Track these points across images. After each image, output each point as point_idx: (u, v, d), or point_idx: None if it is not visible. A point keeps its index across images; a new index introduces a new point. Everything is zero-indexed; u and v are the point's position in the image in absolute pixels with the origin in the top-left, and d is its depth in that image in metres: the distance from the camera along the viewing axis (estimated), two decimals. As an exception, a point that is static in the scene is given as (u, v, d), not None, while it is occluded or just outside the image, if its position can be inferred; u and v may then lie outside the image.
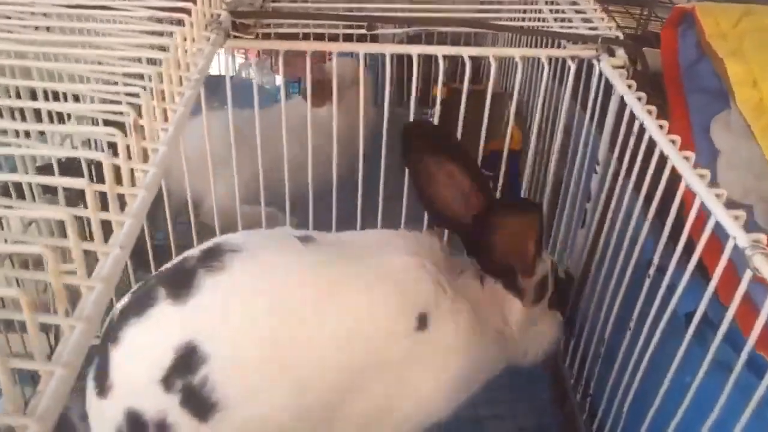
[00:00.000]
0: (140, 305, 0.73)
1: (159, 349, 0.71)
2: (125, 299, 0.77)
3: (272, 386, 0.72)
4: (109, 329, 0.75)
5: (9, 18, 0.68)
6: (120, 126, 0.54)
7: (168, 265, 0.79)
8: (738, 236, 0.58)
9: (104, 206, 0.48)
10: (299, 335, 0.73)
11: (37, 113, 0.85)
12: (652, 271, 0.81)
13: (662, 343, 0.80)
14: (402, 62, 1.36)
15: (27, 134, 0.77)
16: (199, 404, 0.70)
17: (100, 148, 0.90)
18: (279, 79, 1.84)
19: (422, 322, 0.78)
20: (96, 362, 0.74)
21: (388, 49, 0.91)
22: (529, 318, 0.89)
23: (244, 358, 0.72)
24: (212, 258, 0.74)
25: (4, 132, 0.61)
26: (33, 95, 0.82)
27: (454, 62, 1.16)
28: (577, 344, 1.08)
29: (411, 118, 1.01)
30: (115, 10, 0.75)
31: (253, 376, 0.72)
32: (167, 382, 0.70)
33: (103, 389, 0.73)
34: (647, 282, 0.82)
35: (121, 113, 0.54)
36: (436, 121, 1.04)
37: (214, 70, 1.77)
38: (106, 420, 0.73)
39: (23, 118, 0.78)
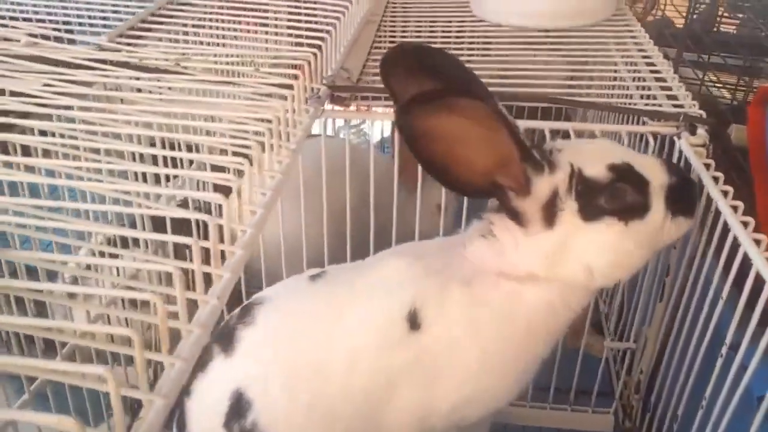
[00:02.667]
0: (203, 361, 0.82)
1: (218, 398, 0.79)
2: None
3: (307, 421, 0.78)
4: (187, 383, 0.83)
5: (140, 90, 0.79)
6: (225, 190, 0.62)
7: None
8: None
9: (207, 260, 0.56)
10: (317, 367, 0.78)
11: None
12: (724, 350, 0.81)
13: (735, 424, 0.79)
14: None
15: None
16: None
17: (206, 209, 0.99)
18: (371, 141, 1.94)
19: (413, 323, 0.77)
20: (177, 413, 0.84)
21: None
22: (550, 245, 0.76)
23: (277, 400, 0.78)
24: (245, 314, 0.83)
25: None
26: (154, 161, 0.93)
27: (532, 136, 1.19)
28: (652, 420, 1.07)
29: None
30: (231, 85, 0.85)
31: (289, 416, 0.78)
32: (228, 426, 0.78)
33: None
34: (720, 360, 0.82)
35: (228, 179, 0.62)
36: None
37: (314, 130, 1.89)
38: None
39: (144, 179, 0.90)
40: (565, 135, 0.97)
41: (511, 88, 1.06)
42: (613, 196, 0.75)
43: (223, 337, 0.82)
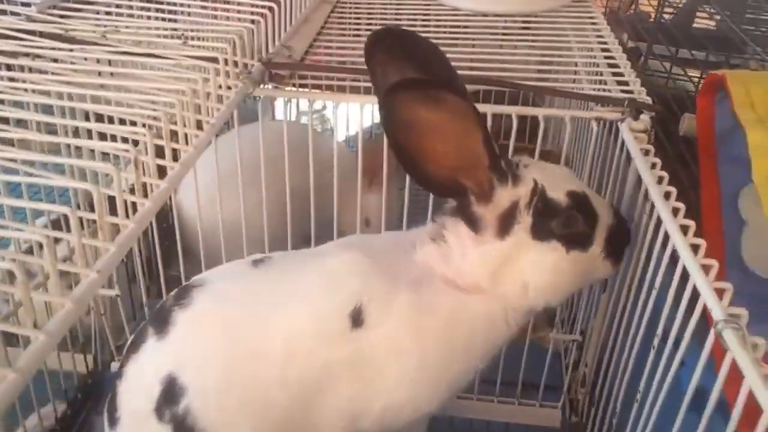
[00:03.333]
0: (136, 342, 0.80)
1: (150, 382, 0.76)
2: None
3: (240, 408, 0.75)
4: (120, 365, 0.81)
5: (56, 61, 0.76)
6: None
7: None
8: (713, 309, 0.57)
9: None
10: (254, 355, 0.76)
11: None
12: (656, 342, 0.79)
13: (669, 416, 0.77)
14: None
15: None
16: None
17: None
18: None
19: (356, 319, 0.76)
20: (109, 396, 0.81)
21: None
22: (497, 256, 0.76)
23: (211, 386, 0.75)
24: (182, 296, 0.79)
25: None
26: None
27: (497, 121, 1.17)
28: (596, 414, 1.05)
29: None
30: (157, 57, 0.82)
31: (222, 402, 0.75)
32: (159, 412, 0.75)
33: (113, 421, 0.80)
34: (652, 351, 0.80)
35: (126, 150, 0.59)
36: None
37: (279, 116, 1.86)
38: None
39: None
40: (508, 118, 0.95)
41: (474, 72, 1.03)
42: (565, 223, 0.76)
43: (158, 319, 0.79)
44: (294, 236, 1.10)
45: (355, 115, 1.02)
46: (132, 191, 0.59)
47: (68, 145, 0.90)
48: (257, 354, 0.76)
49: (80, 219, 0.52)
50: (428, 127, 0.69)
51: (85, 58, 0.80)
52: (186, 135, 0.68)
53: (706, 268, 0.62)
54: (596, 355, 1.09)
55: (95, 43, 0.78)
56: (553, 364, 1.14)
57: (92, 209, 0.53)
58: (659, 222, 0.76)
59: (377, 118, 0.94)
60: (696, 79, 1.63)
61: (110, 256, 0.53)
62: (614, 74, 1.08)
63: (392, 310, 0.76)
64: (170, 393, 0.75)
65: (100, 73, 0.82)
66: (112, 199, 0.55)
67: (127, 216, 0.57)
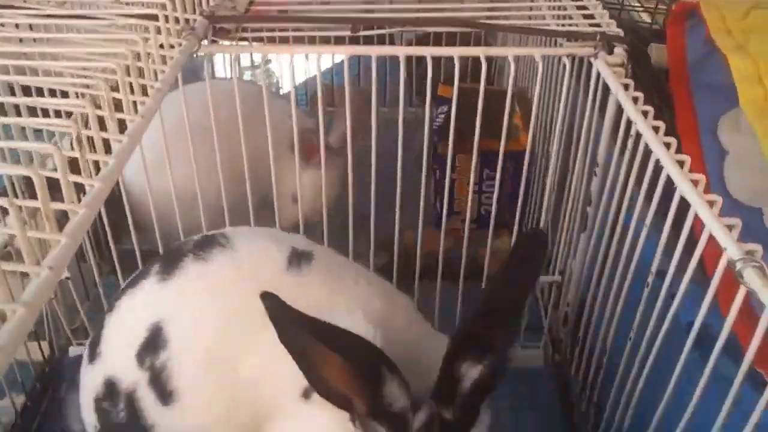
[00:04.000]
0: (137, 276, 0.76)
1: (138, 324, 0.72)
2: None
3: (212, 397, 0.71)
4: (114, 297, 0.77)
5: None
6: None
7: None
8: (729, 247, 0.54)
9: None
10: (236, 354, 0.71)
11: None
12: (650, 279, 0.77)
13: (665, 353, 0.75)
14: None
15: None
16: (160, 388, 0.71)
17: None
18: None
19: None
20: (94, 330, 0.78)
21: (401, 52, 0.87)
22: None
23: (190, 355, 0.70)
24: (204, 246, 0.74)
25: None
26: None
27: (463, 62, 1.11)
28: (582, 351, 1.03)
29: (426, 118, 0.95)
30: (87, 18, 0.73)
31: (196, 379, 0.70)
32: (140, 357, 0.71)
33: (93, 355, 0.76)
34: (647, 289, 0.77)
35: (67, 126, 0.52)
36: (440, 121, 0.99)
37: (221, 73, 1.76)
38: (88, 386, 0.76)
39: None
40: (476, 61, 0.89)
41: (427, 14, 0.97)
42: None
43: (168, 260, 0.74)
44: (244, 203, 1.03)
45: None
46: (75, 171, 0.52)
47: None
48: (240, 354, 0.70)
49: (19, 208, 0.45)
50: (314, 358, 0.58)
51: (2, 24, 0.70)
52: (132, 102, 0.61)
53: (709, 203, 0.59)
54: (578, 294, 1.07)
55: (12, 6, 0.68)
56: (532, 306, 1.12)
57: (33, 196, 0.46)
58: (646, 157, 0.73)
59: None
60: (651, 9, 1.60)
61: (62, 249, 0.46)
62: (578, 8, 1.02)
63: None
64: (153, 342, 0.70)
65: (21, 40, 0.72)
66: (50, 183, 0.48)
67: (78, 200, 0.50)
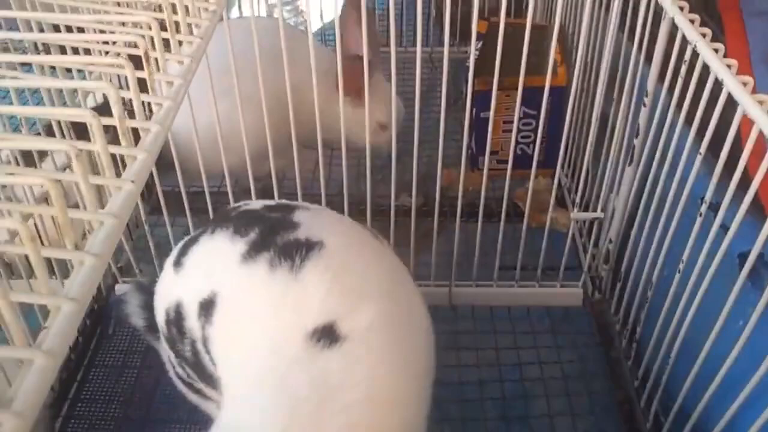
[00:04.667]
0: (217, 222, 0.75)
1: (199, 287, 0.71)
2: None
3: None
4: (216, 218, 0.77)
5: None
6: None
7: None
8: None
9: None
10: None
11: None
12: (703, 209, 0.76)
13: (714, 285, 0.75)
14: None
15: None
16: (206, 339, 0.70)
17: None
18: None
19: None
20: (181, 245, 0.78)
21: None
22: None
23: (232, 339, 0.68)
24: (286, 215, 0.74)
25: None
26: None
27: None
28: (623, 286, 1.04)
29: (445, 58, 0.94)
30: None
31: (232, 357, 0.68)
32: (198, 311, 0.70)
33: (179, 264, 0.75)
34: (698, 220, 0.77)
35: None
36: (474, 57, 0.98)
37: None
38: (162, 294, 0.77)
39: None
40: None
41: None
42: None
43: (247, 221, 0.72)
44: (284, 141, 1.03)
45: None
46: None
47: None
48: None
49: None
50: None
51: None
52: (187, 25, 0.60)
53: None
54: (620, 230, 1.07)
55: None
56: (570, 247, 1.12)
57: (79, 135, 0.45)
58: (701, 82, 0.71)
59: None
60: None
61: (141, 164, 0.46)
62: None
63: None
64: (206, 306, 0.69)
65: None
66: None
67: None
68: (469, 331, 1.14)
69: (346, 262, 0.69)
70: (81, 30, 0.54)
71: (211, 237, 0.74)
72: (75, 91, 1.05)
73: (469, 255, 1.14)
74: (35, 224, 0.95)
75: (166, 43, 0.57)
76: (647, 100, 0.92)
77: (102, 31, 0.54)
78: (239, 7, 1.68)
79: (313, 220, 0.73)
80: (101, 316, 1.16)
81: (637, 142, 0.96)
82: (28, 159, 0.96)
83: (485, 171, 1.03)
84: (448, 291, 1.16)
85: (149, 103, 0.53)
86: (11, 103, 0.91)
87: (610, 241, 1.09)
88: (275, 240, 0.69)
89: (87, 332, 1.13)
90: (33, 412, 0.31)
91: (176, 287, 0.75)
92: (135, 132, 0.49)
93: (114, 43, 0.53)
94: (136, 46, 0.52)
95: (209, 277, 0.71)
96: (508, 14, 0.89)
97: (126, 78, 0.48)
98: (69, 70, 0.97)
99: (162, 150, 1.03)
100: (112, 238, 0.41)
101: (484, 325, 1.15)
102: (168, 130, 0.50)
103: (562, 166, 1.35)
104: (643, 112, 0.93)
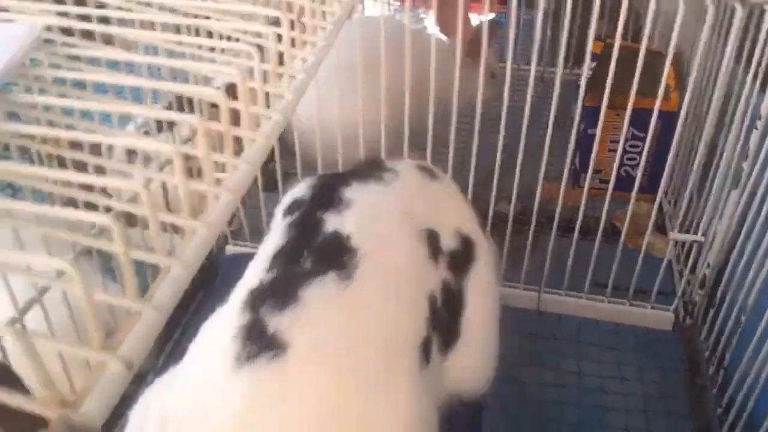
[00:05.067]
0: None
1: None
2: None
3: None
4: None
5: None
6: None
7: None
8: None
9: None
10: None
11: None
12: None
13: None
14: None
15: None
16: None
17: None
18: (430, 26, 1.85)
19: None
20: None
21: None
22: None
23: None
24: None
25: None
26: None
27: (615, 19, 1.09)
28: (716, 314, 1.02)
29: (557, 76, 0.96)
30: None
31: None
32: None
33: None
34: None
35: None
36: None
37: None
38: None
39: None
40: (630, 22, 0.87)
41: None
42: None
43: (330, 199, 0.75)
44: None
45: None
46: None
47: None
48: None
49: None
50: None
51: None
52: (312, 27, 0.65)
53: None
54: (720, 255, 1.05)
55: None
56: (664, 271, 1.11)
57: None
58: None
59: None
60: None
61: (257, 148, 0.51)
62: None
63: None
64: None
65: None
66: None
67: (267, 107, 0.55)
68: (553, 337, 1.15)
69: None
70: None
71: None
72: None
73: (561, 267, 1.15)
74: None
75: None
76: (759, 124, 0.90)
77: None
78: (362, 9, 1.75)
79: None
80: (210, 270, 1.26)
81: (746, 165, 0.94)
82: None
83: (586, 188, 1.04)
84: (537, 296, 1.17)
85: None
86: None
87: (708, 266, 1.07)
88: None
89: (195, 285, 1.22)
90: (138, 359, 0.36)
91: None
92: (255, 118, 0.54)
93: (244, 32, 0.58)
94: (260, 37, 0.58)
95: None
96: (626, 39, 0.90)
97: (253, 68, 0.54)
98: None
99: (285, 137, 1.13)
100: (225, 211, 0.46)
101: (569, 333, 1.16)
102: (287, 120, 0.56)
103: (665, 193, 1.33)
104: (755, 135, 0.91)
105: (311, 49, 0.66)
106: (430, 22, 1.51)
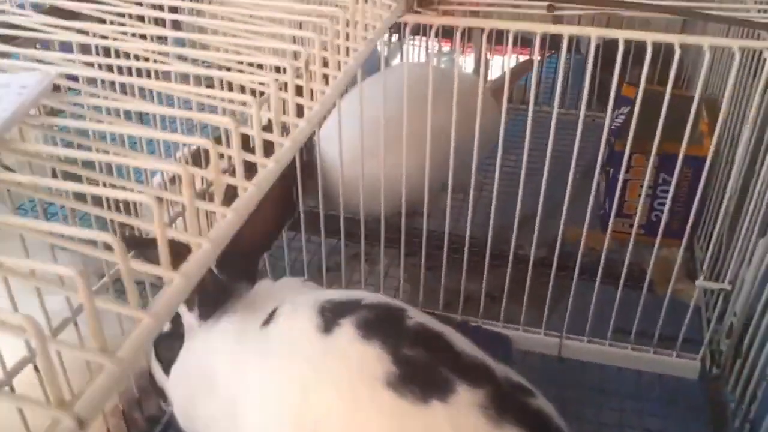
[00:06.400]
0: None
1: None
2: None
3: None
4: None
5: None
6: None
7: None
8: None
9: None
10: None
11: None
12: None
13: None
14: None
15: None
16: None
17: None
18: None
19: None
20: None
21: (593, 33, 0.89)
22: None
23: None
24: None
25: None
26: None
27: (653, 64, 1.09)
28: (743, 365, 0.99)
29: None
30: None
31: None
32: None
33: None
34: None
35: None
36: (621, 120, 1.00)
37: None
38: None
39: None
40: (669, 49, 0.87)
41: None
42: None
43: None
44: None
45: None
46: (267, 129, 0.58)
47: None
48: None
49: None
50: None
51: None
52: (336, 62, 0.67)
53: None
54: (747, 304, 1.02)
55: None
56: (692, 318, 1.08)
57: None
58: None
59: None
60: None
61: (249, 197, 0.51)
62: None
63: None
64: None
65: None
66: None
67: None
68: (574, 386, 1.13)
69: None
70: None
71: None
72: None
73: (584, 312, 1.13)
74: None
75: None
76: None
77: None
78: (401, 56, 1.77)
79: None
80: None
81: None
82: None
83: (609, 230, 1.03)
84: (559, 342, 1.15)
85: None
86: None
87: (735, 314, 1.05)
88: None
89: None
90: (132, 361, 0.36)
91: None
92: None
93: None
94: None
95: None
96: (660, 83, 0.90)
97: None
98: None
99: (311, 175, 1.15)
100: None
101: (591, 381, 1.13)
102: (282, 167, 0.56)
103: (698, 238, 1.31)
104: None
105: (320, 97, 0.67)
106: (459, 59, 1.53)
